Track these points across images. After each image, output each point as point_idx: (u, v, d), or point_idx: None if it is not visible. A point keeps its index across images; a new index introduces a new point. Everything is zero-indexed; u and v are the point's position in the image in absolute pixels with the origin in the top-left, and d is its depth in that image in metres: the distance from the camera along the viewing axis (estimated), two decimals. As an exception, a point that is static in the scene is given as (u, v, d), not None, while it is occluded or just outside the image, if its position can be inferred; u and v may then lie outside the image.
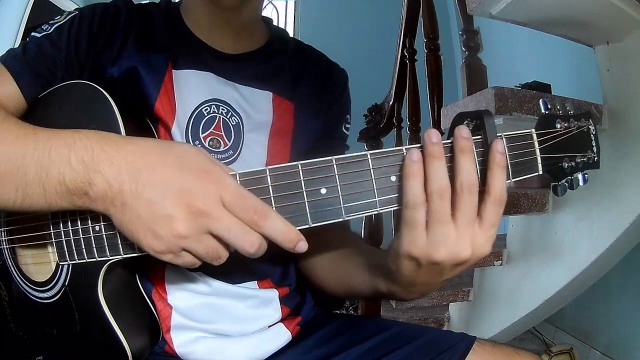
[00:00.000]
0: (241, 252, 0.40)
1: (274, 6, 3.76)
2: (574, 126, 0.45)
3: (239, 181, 0.41)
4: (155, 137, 0.59)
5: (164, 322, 0.61)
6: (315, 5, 3.59)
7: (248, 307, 0.65)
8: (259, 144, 0.65)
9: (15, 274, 0.58)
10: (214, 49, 0.66)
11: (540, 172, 0.44)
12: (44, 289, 0.55)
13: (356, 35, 3.37)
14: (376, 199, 0.42)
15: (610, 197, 1.11)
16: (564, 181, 0.45)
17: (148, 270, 0.61)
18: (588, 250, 1.16)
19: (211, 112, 0.62)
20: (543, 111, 0.45)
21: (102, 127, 0.45)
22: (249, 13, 0.67)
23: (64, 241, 0.50)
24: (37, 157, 0.41)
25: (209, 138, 0.62)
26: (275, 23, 0.77)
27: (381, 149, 0.42)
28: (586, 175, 0.45)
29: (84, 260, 0.49)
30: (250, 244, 0.39)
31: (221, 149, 0.62)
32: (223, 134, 0.63)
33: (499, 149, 0.41)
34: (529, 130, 0.44)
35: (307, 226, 0.42)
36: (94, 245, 0.48)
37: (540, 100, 0.45)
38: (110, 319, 0.50)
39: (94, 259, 0.48)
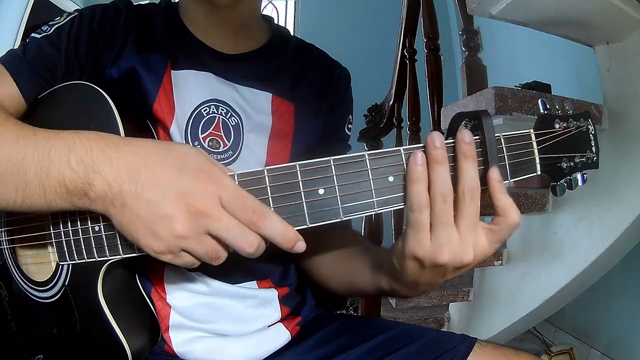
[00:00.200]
0: (240, 253, 0.41)
1: (274, 6, 3.76)
2: (573, 126, 0.45)
3: (237, 182, 0.41)
4: (154, 138, 0.59)
5: (163, 322, 0.61)
6: (315, 5, 3.59)
7: (247, 307, 0.65)
8: (258, 145, 0.65)
9: (15, 274, 0.59)
10: (213, 49, 0.65)
11: (539, 173, 0.44)
12: (44, 288, 0.55)
13: (356, 35, 3.37)
14: (374, 200, 0.42)
15: (610, 197, 1.11)
16: (562, 181, 0.45)
17: (147, 270, 0.61)
18: (588, 250, 1.16)
19: (210, 112, 0.62)
20: (542, 111, 0.45)
21: (101, 128, 0.45)
22: (246, 11, 0.66)
23: (63, 241, 0.50)
24: (37, 157, 0.42)
25: (209, 138, 0.62)
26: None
27: (381, 149, 0.42)
28: (585, 176, 0.45)
29: (84, 260, 0.49)
30: (249, 244, 0.40)
31: (221, 150, 0.62)
32: (222, 134, 0.62)
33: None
34: (528, 131, 0.44)
35: (305, 226, 0.42)
36: (93, 246, 0.48)
37: (539, 100, 0.45)
38: (110, 318, 0.50)
39: (94, 259, 0.48)
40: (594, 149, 0.45)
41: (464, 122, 0.43)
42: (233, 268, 0.62)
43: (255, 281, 0.67)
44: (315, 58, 0.75)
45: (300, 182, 0.41)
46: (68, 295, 0.53)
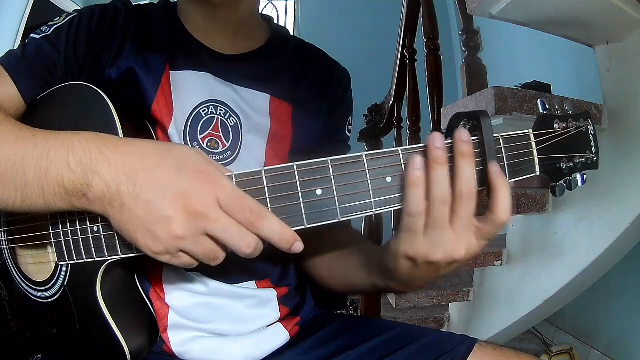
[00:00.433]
0: (238, 253, 0.41)
1: (274, 6, 3.76)
2: (573, 126, 0.44)
3: (235, 182, 0.41)
4: (153, 139, 0.59)
5: (161, 322, 0.61)
6: (315, 5, 3.59)
7: (246, 307, 0.65)
8: (257, 145, 0.65)
9: (15, 274, 0.59)
10: (212, 50, 0.65)
11: (538, 173, 0.44)
12: (43, 288, 0.55)
13: (356, 35, 3.37)
14: (372, 200, 0.42)
15: (610, 197, 1.11)
16: (562, 182, 0.45)
17: (146, 270, 0.61)
18: (588, 250, 1.16)
19: (209, 113, 0.62)
20: (541, 111, 0.45)
21: (100, 129, 0.45)
22: (244, 12, 0.66)
23: (63, 241, 0.50)
24: (36, 158, 0.42)
25: (207, 139, 0.62)
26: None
27: (381, 149, 0.42)
28: (585, 176, 0.45)
29: (83, 261, 0.49)
30: (247, 245, 0.40)
31: (219, 150, 0.62)
32: (221, 134, 0.62)
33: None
34: (527, 131, 0.44)
35: (302, 227, 0.42)
36: (92, 246, 0.48)
37: (539, 101, 0.45)
38: (108, 318, 0.50)
39: (93, 259, 0.48)
40: (593, 149, 0.45)
41: (463, 122, 0.43)
42: (232, 268, 0.62)
43: (254, 281, 0.67)
44: (315, 58, 0.75)
45: (298, 182, 0.41)
46: (67, 295, 0.53)
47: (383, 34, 2.75)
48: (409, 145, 0.43)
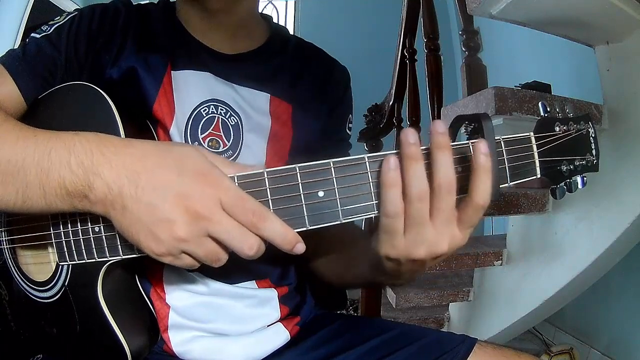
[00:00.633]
0: (240, 255, 0.41)
1: (274, 6, 3.76)
2: (573, 129, 0.45)
3: (237, 183, 0.41)
4: (154, 139, 0.59)
5: (162, 322, 0.61)
6: (315, 5, 3.59)
7: (246, 307, 0.65)
8: (257, 145, 0.65)
9: (15, 274, 0.59)
10: (212, 49, 0.65)
11: (539, 176, 0.44)
12: (44, 288, 0.55)
13: (356, 35, 3.37)
14: (373, 202, 0.42)
15: (610, 197, 1.11)
16: (562, 184, 0.45)
17: (146, 270, 0.61)
18: (588, 250, 1.16)
19: (210, 112, 0.62)
20: (542, 114, 0.45)
21: (102, 129, 0.45)
22: (242, 12, 0.66)
23: (63, 242, 0.50)
24: (37, 159, 0.41)
25: (208, 139, 0.62)
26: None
27: (381, 149, 0.42)
28: (585, 178, 0.45)
29: (84, 261, 0.49)
30: (249, 247, 0.40)
31: (220, 150, 0.62)
32: (222, 134, 0.62)
33: (482, 149, 0.39)
34: (528, 134, 0.44)
35: (304, 229, 0.42)
36: (93, 246, 0.48)
37: (540, 103, 0.45)
38: (109, 318, 0.50)
39: (94, 260, 0.48)
40: (594, 151, 0.45)
41: (464, 125, 0.43)
42: (232, 268, 0.61)
43: (254, 281, 0.67)
44: (314, 57, 0.75)
45: (300, 184, 0.41)
46: (68, 295, 0.53)
47: (383, 34, 2.75)
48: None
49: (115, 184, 0.40)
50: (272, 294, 0.68)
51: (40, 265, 0.56)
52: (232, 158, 0.63)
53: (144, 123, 0.60)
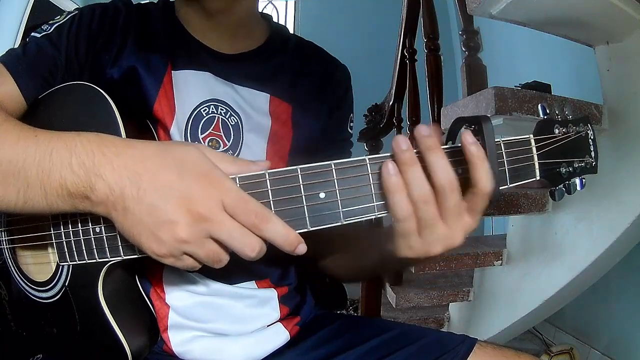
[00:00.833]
0: (241, 256, 0.40)
1: (274, 6, 3.76)
2: (572, 131, 0.45)
3: (238, 184, 0.41)
4: (155, 138, 0.59)
5: (162, 321, 0.61)
6: (315, 5, 3.59)
7: (246, 307, 0.65)
8: (257, 145, 0.65)
9: (15, 274, 0.59)
10: (212, 49, 0.65)
11: (538, 178, 0.44)
12: (44, 289, 0.55)
13: (356, 35, 3.37)
14: (374, 204, 0.42)
15: (610, 197, 1.11)
16: (561, 186, 0.45)
17: (146, 270, 0.61)
18: (588, 250, 1.16)
19: (210, 112, 0.62)
20: (542, 116, 0.45)
21: (103, 129, 0.45)
22: (241, 12, 0.66)
23: (64, 242, 0.50)
24: (38, 159, 0.41)
25: (208, 139, 0.62)
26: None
27: (381, 149, 0.43)
28: (584, 180, 0.45)
29: (85, 261, 0.49)
30: (251, 249, 0.40)
31: (220, 150, 0.62)
32: (222, 134, 0.62)
33: (469, 140, 0.40)
34: (527, 136, 0.44)
35: (306, 230, 0.42)
36: (94, 247, 0.48)
37: (539, 106, 0.45)
38: (110, 319, 0.50)
39: (94, 260, 0.48)
40: (593, 154, 0.45)
41: (465, 126, 0.44)
42: (232, 268, 0.61)
43: (254, 281, 0.67)
44: (314, 56, 0.74)
45: (301, 185, 0.41)
46: (68, 295, 0.53)
47: (383, 34, 2.75)
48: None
49: (117, 185, 0.40)
50: (271, 294, 0.68)
51: (40, 266, 0.56)
52: (232, 158, 0.63)
53: (144, 123, 0.60)
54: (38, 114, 0.57)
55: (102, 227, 0.47)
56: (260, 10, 0.73)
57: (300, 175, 0.41)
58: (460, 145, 0.41)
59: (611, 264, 1.24)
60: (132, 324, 0.54)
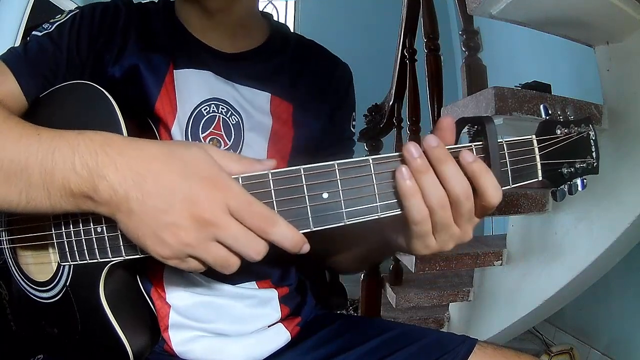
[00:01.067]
0: (246, 259, 0.40)
1: (274, 6, 3.76)
2: (574, 132, 0.45)
3: (241, 184, 0.41)
4: (156, 137, 0.59)
5: (162, 321, 0.61)
6: (315, 5, 3.59)
7: (246, 307, 0.65)
8: (258, 144, 0.65)
9: (16, 274, 0.58)
10: (212, 48, 0.65)
11: (540, 178, 0.45)
12: (45, 288, 0.55)
13: (356, 35, 3.37)
14: (377, 204, 0.42)
15: (610, 197, 1.11)
16: (563, 186, 0.45)
17: (147, 270, 0.61)
18: (588, 250, 1.16)
19: (210, 111, 0.62)
20: (544, 117, 0.45)
21: (104, 128, 0.44)
22: (241, 11, 0.66)
23: (65, 242, 0.50)
24: (41, 158, 0.41)
25: (209, 138, 0.62)
26: (274, 21, 0.76)
27: (381, 148, 0.43)
28: (585, 181, 0.45)
29: (86, 262, 0.49)
30: (257, 252, 0.40)
31: (221, 149, 0.62)
32: (223, 133, 0.62)
33: (468, 159, 0.41)
34: (530, 137, 0.44)
35: (309, 230, 0.42)
36: (95, 247, 0.48)
37: (541, 106, 0.45)
38: (111, 319, 0.50)
39: (96, 260, 0.48)
40: (594, 154, 0.46)
41: (467, 127, 0.44)
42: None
43: (255, 281, 0.67)
44: (315, 55, 0.74)
45: (304, 185, 0.41)
46: (69, 295, 0.53)
47: (383, 34, 2.75)
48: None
49: (121, 186, 0.39)
50: (272, 294, 0.68)
51: (41, 266, 0.56)
52: (232, 158, 0.62)
53: (145, 122, 0.60)
54: (39, 112, 0.56)
55: (104, 227, 0.47)
56: (260, 9, 0.73)
57: (303, 175, 0.41)
58: (464, 145, 0.42)
59: (611, 264, 1.24)
60: (134, 324, 0.53)
